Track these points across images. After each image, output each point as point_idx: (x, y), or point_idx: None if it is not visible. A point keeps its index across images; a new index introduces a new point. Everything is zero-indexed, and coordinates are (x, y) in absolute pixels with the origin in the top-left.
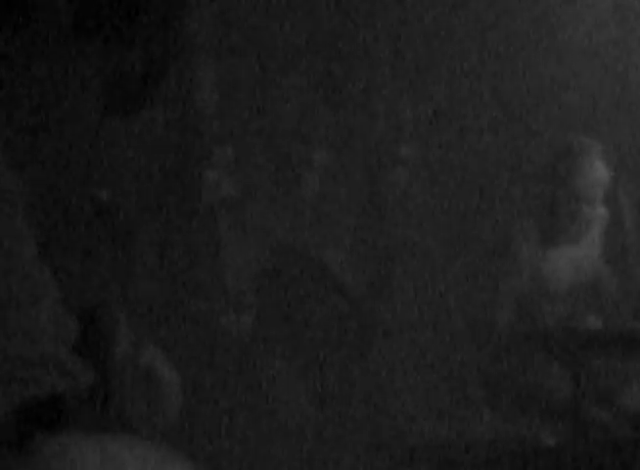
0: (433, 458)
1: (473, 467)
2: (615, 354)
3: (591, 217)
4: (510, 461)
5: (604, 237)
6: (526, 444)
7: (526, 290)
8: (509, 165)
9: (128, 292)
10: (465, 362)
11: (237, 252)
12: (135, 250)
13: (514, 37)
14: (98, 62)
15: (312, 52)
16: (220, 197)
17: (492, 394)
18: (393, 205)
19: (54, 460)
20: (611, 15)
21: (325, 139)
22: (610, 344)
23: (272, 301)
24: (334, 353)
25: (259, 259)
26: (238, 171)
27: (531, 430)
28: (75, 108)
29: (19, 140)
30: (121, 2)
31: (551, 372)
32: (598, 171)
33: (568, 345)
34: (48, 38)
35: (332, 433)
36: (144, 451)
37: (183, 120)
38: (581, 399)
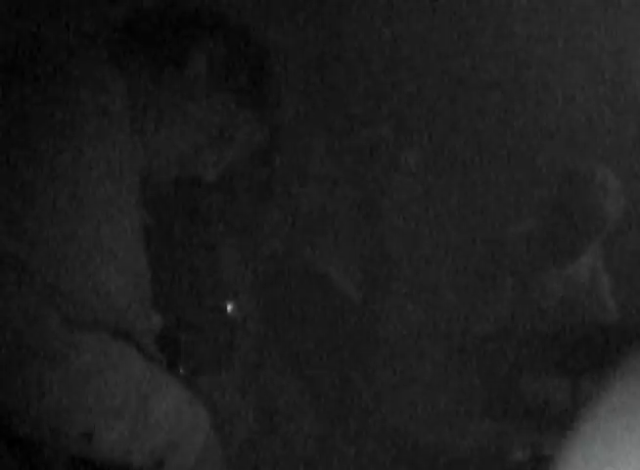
0: (433, 468)
1: None
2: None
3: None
4: None
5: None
6: (527, 454)
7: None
8: (511, 174)
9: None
10: (465, 371)
11: (235, 260)
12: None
13: (522, 46)
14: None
15: (309, 56)
16: (217, 206)
17: (494, 404)
18: (393, 211)
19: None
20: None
21: (323, 145)
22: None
23: (271, 310)
24: (334, 362)
25: (258, 268)
26: (234, 185)
27: (532, 441)
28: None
29: None
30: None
31: (550, 383)
32: (605, 208)
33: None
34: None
35: (333, 442)
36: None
37: None
38: (581, 410)
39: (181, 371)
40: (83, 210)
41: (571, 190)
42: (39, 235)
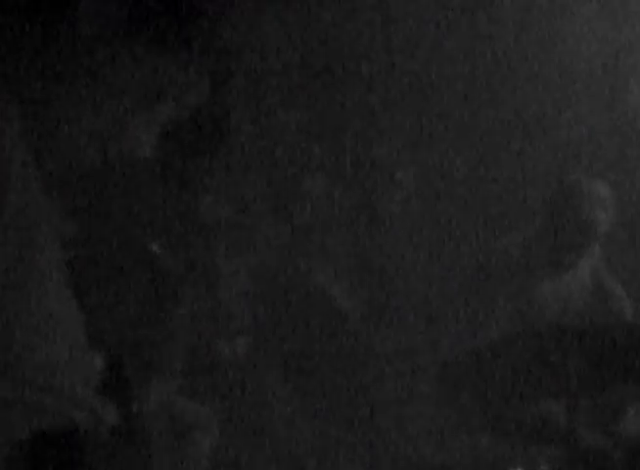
0: None
1: None
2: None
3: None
4: None
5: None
6: (523, 468)
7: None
8: (505, 185)
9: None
10: (461, 386)
11: (232, 275)
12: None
13: (517, 60)
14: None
15: (308, 77)
16: (216, 219)
17: (491, 419)
18: (389, 228)
19: None
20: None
21: (320, 163)
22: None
23: (268, 324)
24: (331, 376)
25: (255, 283)
26: (233, 195)
27: (529, 455)
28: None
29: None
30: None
31: (547, 398)
32: (597, 221)
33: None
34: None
35: (330, 457)
36: None
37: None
38: (577, 424)
39: (134, 410)
40: None
41: (565, 200)
42: None
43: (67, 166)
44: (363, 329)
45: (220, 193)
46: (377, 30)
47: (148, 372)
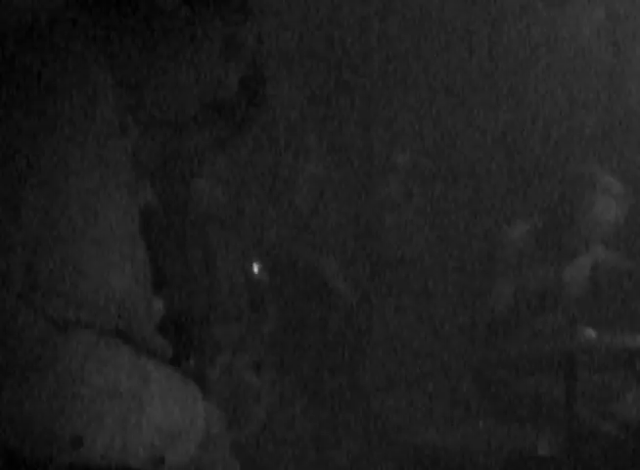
0: (429, 467)
1: None
2: (610, 364)
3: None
4: None
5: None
6: (523, 453)
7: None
8: (511, 176)
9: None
10: (460, 370)
11: (229, 261)
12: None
13: (519, 50)
14: None
15: (306, 61)
16: (211, 206)
17: (488, 402)
18: (387, 213)
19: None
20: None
21: (318, 148)
22: (605, 354)
23: (263, 309)
24: (328, 362)
25: (252, 269)
26: (229, 180)
27: (528, 439)
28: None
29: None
30: None
31: (547, 381)
32: (606, 210)
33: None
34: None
35: (327, 442)
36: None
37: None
38: (577, 408)
39: (191, 362)
40: (66, 196)
41: (573, 193)
42: (17, 233)
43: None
44: (362, 314)
45: (217, 179)
46: (375, 18)
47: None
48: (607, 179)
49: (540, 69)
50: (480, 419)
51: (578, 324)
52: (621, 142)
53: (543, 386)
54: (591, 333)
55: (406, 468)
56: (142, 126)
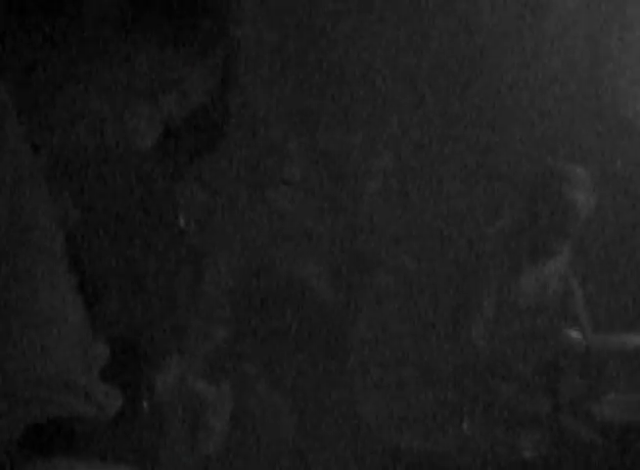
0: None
1: None
2: (590, 366)
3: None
4: None
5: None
6: (505, 455)
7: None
8: (487, 174)
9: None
10: (443, 374)
11: (212, 266)
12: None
13: (495, 46)
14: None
15: (286, 63)
16: (195, 211)
17: (471, 405)
18: (367, 215)
19: None
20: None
21: (297, 152)
22: (586, 356)
23: (248, 314)
24: (311, 365)
25: (234, 273)
26: (210, 185)
27: (510, 441)
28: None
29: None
30: None
31: (530, 386)
32: (579, 203)
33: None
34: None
35: (310, 444)
36: None
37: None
38: (559, 410)
39: (145, 406)
40: None
41: (547, 189)
42: None
43: (64, 153)
44: (344, 317)
45: (198, 182)
46: (351, 19)
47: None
48: (580, 174)
49: (513, 67)
50: (465, 422)
51: (562, 326)
52: (592, 136)
53: (527, 389)
54: (576, 335)
55: None
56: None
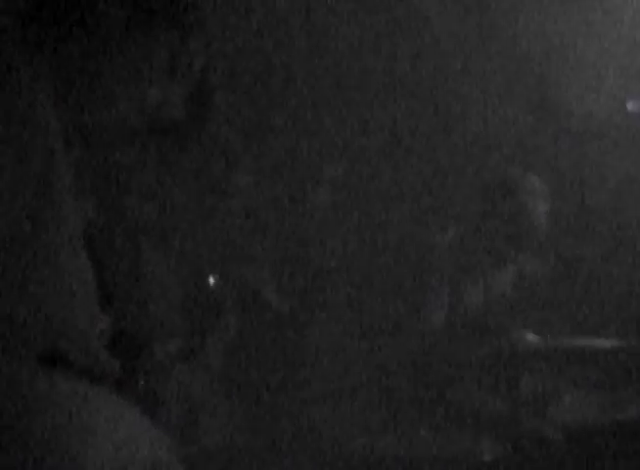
0: None
1: None
2: (548, 367)
3: (525, 241)
4: None
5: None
6: (465, 458)
7: (450, 306)
8: (439, 182)
9: None
10: (399, 378)
11: (160, 276)
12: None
13: (443, 55)
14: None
15: (233, 71)
16: (142, 220)
17: (428, 409)
18: (319, 224)
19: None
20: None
21: (247, 158)
22: (544, 357)
23: (198, 323)
24: (263, 373)
25: (183, 281)
26: (159, 194)
27: (468, 445)
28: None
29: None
30: None
31: (486, 386)
32: (532, 212)
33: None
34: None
35: (262, 453)
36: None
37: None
38: (518, 412)
39: (141, 383)
40: (10, 209)
41: (500, 197)
42: None
43: (93, 138)
44: (296, 325)
45: (145, 192)
46: (299, 25)
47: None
48: (533, 182)
49: (461, 74)
50: (421, 426)
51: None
52: (544, 143)
53: (484, 392)
54: (533, 337)
55: None
56: (84, 142)
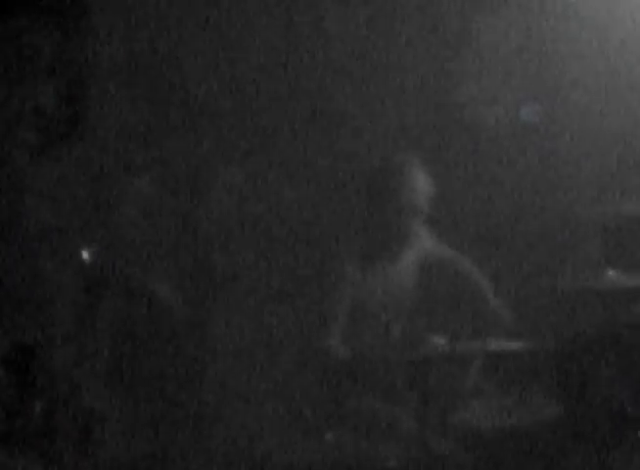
0: None
1: None
2: (453, 372)
3: (414, 231)
4: None
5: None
6: (369, 465)
7: (352, 310)
8: (331, 183)
9: None
10: (303, 384)
11: (56, 280)
12: None
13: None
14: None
15: (133, 77)
16: (40, 224)
17: (334, 415)
18: (216, 227)
19: None
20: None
21: (145, 162)
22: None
23: (94, 329)
24: (162, 378)
25: (78, 287)
26: (56, 197)
27: (373, 451)
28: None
29: None
30: None
31: (391, 394)
32: (421, 184)
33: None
34: None
35: (165, 460)
36: None
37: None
38: (424, 417)
39: (37, 407)
40: None
41: (380, 186)
42: None
43: None
44: (198, 330)
45: (43, 195)
46: (195, 23)
47: None
48: (414, 168)
49: (347, 62)
50: (327, 433)
51: (425, 332)
52: (430, 131)
53: (389, 397)
54: (440, 340)
55: None
56: None
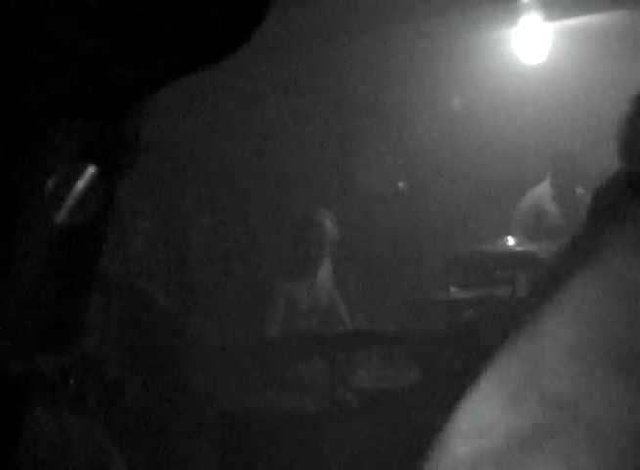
0: None
1: None
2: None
3: (324, 258)
4: None
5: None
6: (295, 413)
7: (286, 307)
8: (274, 227)
9: None
10: (252, 356)
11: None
12: None
13: None
14: None
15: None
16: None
17: (273, 378)
18: (197, 252)
19: None
20: None
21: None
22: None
23: (109, 321)
24: (157, 372)
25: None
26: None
27: (297, 402)
28: None
29: None
30: None
31: (309, 360)
32: (329, 230)
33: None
34: None
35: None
36: None
37: None
38: (330, 378)
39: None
40: None
41: (306, 230)
42: None
43: None
44: (182, 325)
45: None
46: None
47: None
48: (325, 221)
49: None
50: (267, 389)
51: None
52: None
53: (309, 362)
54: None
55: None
56: None
